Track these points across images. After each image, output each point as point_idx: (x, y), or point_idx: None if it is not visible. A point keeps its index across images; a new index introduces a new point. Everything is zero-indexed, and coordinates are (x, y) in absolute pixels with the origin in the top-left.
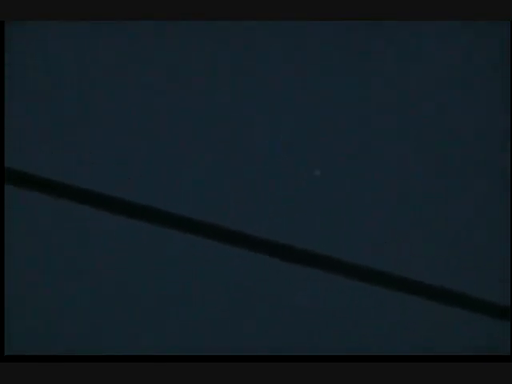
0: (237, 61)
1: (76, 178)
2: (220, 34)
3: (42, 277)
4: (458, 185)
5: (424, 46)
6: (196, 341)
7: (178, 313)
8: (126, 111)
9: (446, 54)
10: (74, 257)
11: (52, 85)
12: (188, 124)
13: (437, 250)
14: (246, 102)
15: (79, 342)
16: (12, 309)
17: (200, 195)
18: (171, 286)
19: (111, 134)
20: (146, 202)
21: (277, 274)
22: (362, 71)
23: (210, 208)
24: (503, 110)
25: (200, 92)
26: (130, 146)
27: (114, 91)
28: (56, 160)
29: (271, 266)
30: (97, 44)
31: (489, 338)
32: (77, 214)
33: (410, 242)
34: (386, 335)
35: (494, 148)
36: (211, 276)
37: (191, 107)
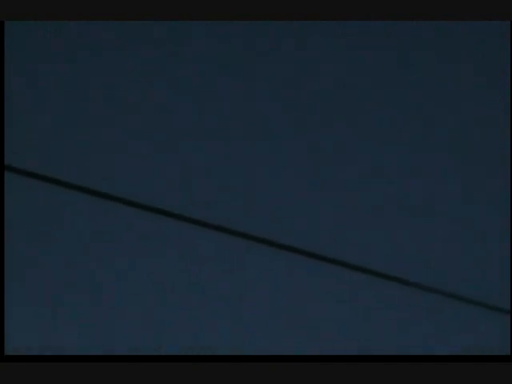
0: (237, 61)
1: (74, 176)
2: (220, 34)
3: (42, 277)
4: (458, 185)
5: (424, 46)
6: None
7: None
8: (126, 111)
9: (446, 54)
10: (74, 256)
11: (52, 85)
12: (188, 124)
13: (436, 249)
14: (246, 103)
15: (79, 342)
16: (12, 309)
17: (204, 194)
18: (171, 282)
19: (111, 134)
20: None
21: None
22: (361, 71)
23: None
24: (503, 110)
25: (199, 92)
26: (129, 145)
27: (113, 91)
28: (55, 159)
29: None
30: (97, 44)
31: (489, 338)
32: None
33: (410, 241)
34: (386, 335)
35: (495, 148)
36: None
37: (191, 107)
